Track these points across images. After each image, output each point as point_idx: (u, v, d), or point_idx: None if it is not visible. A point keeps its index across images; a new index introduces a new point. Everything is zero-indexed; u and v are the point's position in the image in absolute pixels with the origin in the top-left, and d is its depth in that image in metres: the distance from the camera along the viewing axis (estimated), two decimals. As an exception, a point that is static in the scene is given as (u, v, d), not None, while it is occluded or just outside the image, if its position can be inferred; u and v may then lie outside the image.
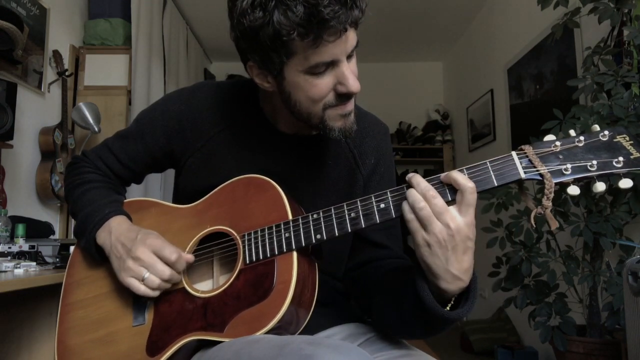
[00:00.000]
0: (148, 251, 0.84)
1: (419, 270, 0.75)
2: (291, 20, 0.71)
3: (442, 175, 0.73)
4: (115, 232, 0.90)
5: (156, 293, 0.85)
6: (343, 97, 0.81)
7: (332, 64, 0.78)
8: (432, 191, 0.71)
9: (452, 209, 0.70)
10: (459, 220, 0.70)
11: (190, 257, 0.87)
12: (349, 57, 0.80)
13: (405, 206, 0.72)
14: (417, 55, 5.12)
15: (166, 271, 0.84)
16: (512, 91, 3.46)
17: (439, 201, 0.70)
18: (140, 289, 0.84)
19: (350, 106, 0.83)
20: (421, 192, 0.71)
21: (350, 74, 0.79)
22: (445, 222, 0.69)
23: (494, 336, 3.30)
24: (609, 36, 2.18)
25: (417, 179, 0.72)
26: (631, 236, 2.06)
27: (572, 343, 1.98)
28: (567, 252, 2.10)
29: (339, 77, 0.79)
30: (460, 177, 0.71)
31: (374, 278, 0.93)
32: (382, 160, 1.00)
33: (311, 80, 0.79)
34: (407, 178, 0.73)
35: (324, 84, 0.80)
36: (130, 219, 0.96)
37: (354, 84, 0.79)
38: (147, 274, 0.84)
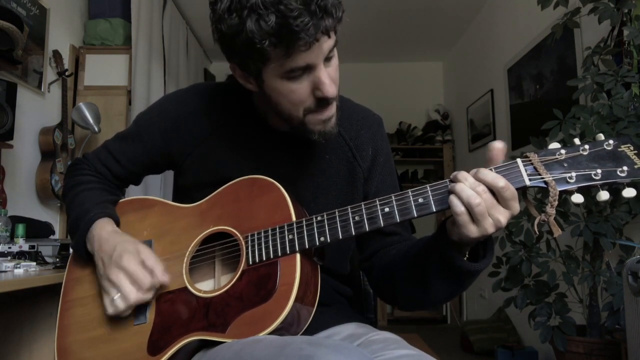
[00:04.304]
0: (121, 275, 0.85)
1: (441, 233, 0.78)
2: (263, 29, 0.71)
3: (473, 172, 0.73)
4: (96, 242, 0.91)
5: (126, 312, 0.86)
6: (322, 101, 0.82)
7: (308, 69, 0.78)
8: (481, 186, 0.71)
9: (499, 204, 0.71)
10: (507, 214, 0.71)
11: (165, 280, 0.86)
12: (327, 59, 0.80)
13: (455, 200, 0.71)
14: (417, 55, 5.12)
15: (132, 296, 0.84)
16: (512, 91, 3.46)
17: (489, 196, 0.71)
18: (109, 309, 0.86)
19: (330, 111, 0.84)
20: (470, 187, 0.71)
21: (326, 78, 0.79)
22: (496, 218, 0.71)
23: (494, 336, 3.30)
24: (609, 36, 2.18)
25: (464, 174, 0.72)
26: (631, 236, 2.06)
27: (572, 343, 1.98)
28: (567, 252, 2.10)
29: (316, 82, 0.80)
30: (489, 178, 0.71)
31: (389, 257, 0.94)
32: (380, 151, 1.01)
33: (289, 85, 0.80)
34: (452, 176, 0.73)
35: (301, 89, 0.80)
36: (115, 219, 0.96)
37: (329, 89, 0.80)
38: (116, 296, 0.85)
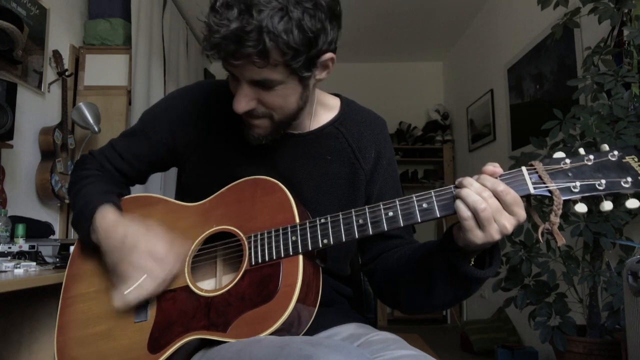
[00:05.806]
0: (131, 268, 0.85)
1: (448, 239, 0.78)
2: (204, 34, 0.78)
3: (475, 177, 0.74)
4: (101, 232, 0.90)
5: (134, 303, 0.86)
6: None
7: (236, 78, 0.83)
8: (486, 192, 0.71)
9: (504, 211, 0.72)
10: (513, 220, 0.72)
11: (175, 269, 0.86)
12: (266, 87, 0.81)
13: (461, 205, 0.72)
14: (417, 55, 5.12)
15: (149, 286, 0.84)
16: (512, 91, 3.46)
17: (494, 202, 0.71)
18: (117, 302, 0.86)
19: (250, 121, 0.87)
20: (476, 192, 0.71)
21: (239, 94, 0.83)
22: (501, 224, 0.71)
23: (494, 336, 3.30)
24: (609, 36, 2.18)
25: (469, 179, 0.73)
26: (631, 236, 2.06)
27: (572, 343, 1.98)
28: (567, 252, 2.10)
29: None
30: (489, 183, 0.72)
31: (392, 260, 0.94)
32: (383, 153, 1.01)
33: (230, 78, 0.86)
34: (457, 181, 0.74)
35: (232, 86, 0.86)
36: (118, 207, 0.95)
37: (235, 104, 0.84)
38: (129, 290, 0.84)
